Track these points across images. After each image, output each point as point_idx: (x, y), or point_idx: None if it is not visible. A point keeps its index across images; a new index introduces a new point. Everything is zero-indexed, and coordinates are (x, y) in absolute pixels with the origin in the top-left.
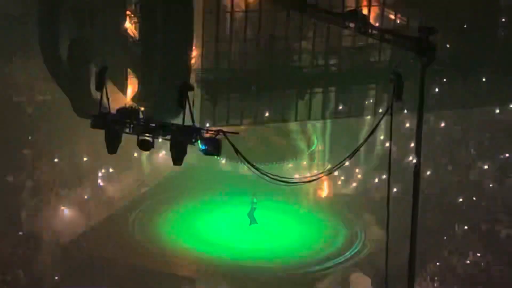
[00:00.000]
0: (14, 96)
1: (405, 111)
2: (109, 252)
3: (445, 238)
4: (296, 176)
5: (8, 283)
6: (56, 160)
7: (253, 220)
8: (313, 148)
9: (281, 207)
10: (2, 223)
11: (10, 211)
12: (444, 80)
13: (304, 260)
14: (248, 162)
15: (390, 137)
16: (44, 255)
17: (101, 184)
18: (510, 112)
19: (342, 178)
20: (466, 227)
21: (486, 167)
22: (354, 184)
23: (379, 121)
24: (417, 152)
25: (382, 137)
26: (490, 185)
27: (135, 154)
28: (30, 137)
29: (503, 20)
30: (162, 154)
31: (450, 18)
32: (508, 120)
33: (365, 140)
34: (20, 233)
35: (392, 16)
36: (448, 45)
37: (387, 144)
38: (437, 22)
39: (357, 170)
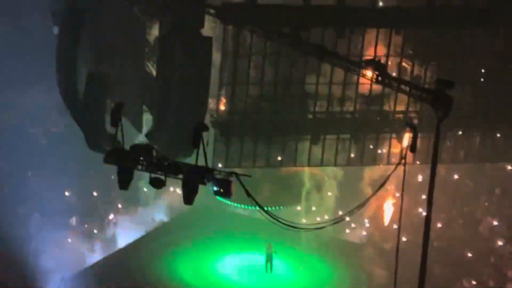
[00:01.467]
0: (29, 127)
1: (418, 162)
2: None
3: None
4: (304, 220)
5: None
6: (67, 193)
7: (268, 268)
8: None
9: (291, 253)
10: (11, 253)
11: (18, 241)
12: (460, 133)
13: None
14: (260, 206)
15: (402, 187)
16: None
17: (110, 218)
18: None
19: (353, 225)
20: (474, 282)
21: (495, 222)
22: (364, 233)
23: (393, 170)
24: (429, 204)
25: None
26: (500, 243)
27: (145, 189)
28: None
29: None
30: (172, 191)
31: (468, 72)
32: None
33: (379, 189)
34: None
35: (409, 67)
36: (464, 100)
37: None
38: (454, 75)
39: (366, 220)
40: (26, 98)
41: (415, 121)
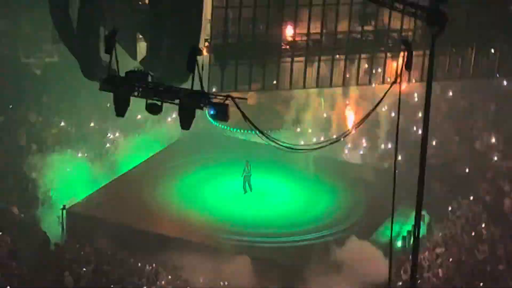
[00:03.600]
0: (22, 57)
1: (413, 81)
2: (113, 215)
3: (449, 208)
4: (302, 142)
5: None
6: (62, 124)
7: (247, 188)
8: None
9: (287, 173)
10: (10, 183)
11: (17, 171)
12: (453, 50)
13: (307, 227)
14: (257, 128)
15: (398, 105)
16: (49, 217)
17: (108, 145)
18: None
19: (349, 145)
20: (471, 198)
21: (492, 139)
22: (361, 153)
23: (388, 90)
24: (425, 123)
25: (385, 108)
26: (495, 158)
27: (139, 117)
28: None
29: None
30: (171, 118)
31: None
32: None
33: (373, 109)
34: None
35: None
36: (458, 15)
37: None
38: None
39: (363, 140)
40: (18, 28)
41: (410, 39)
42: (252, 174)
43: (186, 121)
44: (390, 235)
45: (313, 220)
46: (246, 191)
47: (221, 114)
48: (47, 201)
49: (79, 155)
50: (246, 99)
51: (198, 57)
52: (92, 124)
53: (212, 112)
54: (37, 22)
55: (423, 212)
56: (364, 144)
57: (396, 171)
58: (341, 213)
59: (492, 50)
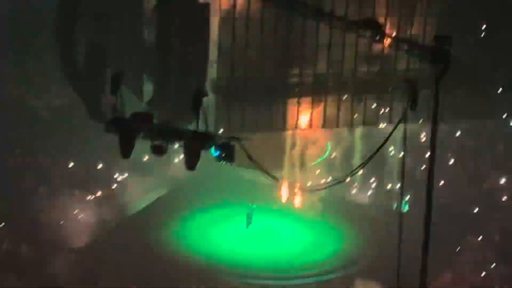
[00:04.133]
0: (30, 100)
1: (421, 121)
2: (121, 257)
3: (458, 249)
4: (310, 183)
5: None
6: (71, 165)
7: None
8: (325, 155)
9: (293, 214)
10: (18, 227)
11: (25, 215)
12: (460, 90)
13: (316, 268)
14: (263, 169)
15: (404, 144)
16: (59, 259)
17: (113, 187)
18: None
19: (355, 184)
20: (479, 238)
21: (502, 180)
22: (369, 192)
23: (394, 129)
24: (431, 162)
25: (392, 148)
26: (504, 198)
27: (147, 157)
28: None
29: None
30: (179, 159)
31: (467, 29)
32: None
33: (379, 148)
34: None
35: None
36: (464, 56)
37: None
38: (454, 32)
39: (371, 180)
40: (26, 71)
41: (415, 79)
42: (254, 211)
43: (191, 162)
44: (397, 277)
45: (320, 263)
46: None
47: (227, 155)
48: (56, 242)
49: (86, 197)
50: (252, 139)
51: (204, 98)
52: (100, 166)
53: (217, 154)
54: (45, 65)
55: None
56: (373, 185)
57: (403, 210)
58: (349, 255)
59: (499, 90)
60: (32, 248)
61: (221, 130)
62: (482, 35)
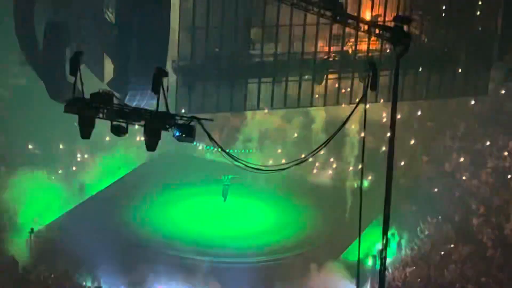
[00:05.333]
0: None
1: (381, 101)
2: (81, 237)
3: (418, 228)
4: (271, 162)
5: None
6: (30, 146)
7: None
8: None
9: (255, 194)
10: None
11: None
12: (420, 70)
13: (276, 247)
14: (222, 149)
15: (364, 125)
16: (17, 240)
17: (74, 168)
18: (485, 103)
19: (317, 164)
20: (439, 217)
21: (461, 159)
22: (330, 172)
23: (354, 109)
24: (391, 142)
25: (354, 127)
26: (464, 177)
27: (108, 138)
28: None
29: (480, 13)
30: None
31: (428, 9)
32: (482, 111)
33: (339, 128)
34: None
35: (369, 6)
36: (425, 36)
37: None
38: (415, 12)
39: (331, 159)
40: None
41: (375, 60)
42: (230, 185)
43: (151, 142)
44: (358, 255)
45: (282, 241)
46: (225, 199)
47: (187, 135)
48: (15, 223)
49: (47, 177)
50: (212, 120)
51: (165, 79)
52: (61, 146)
53: (177, 134)
54: (4, 45)
55: (394, 231)
56: (334, 165)
57: (365, 190)
58: (309, 234)
59: (459, 70)
60: None
61: (182, 111)
62: (442, 15)
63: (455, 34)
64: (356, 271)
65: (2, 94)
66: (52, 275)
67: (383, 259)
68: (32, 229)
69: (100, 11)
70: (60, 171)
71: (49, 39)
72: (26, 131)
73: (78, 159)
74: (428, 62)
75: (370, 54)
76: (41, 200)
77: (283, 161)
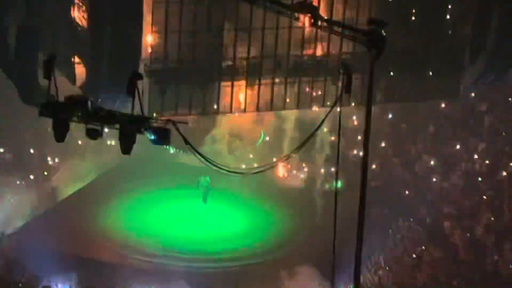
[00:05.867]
0: None
1: (352, 104)
2: (53, 242)
3: (390, 231)
4: (243, 166)
5: None
6: (1, 150)
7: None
8: (259, 142)
9: (228, 197)
10: None
11: None
12: (391, 74)
13: (250, 251)
14: (198, 152)
15: (338, 129)
16: None
17: (46, 173)
18: (455, 106)
19: (289, 168)
20: (411, 220)
21: (432, 161)
22: (302, 176)
23: (328, 113)
24: (365, 145)
25: (325, 131)
26: (435, 179)
27: (79, 142)
28: None
29: (451, 16)
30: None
31: (400, 12)
32: (453, 115)
33: (314, 132)
34: None
35: (341, 9)
36: (396, 40)
37: (334, 138)
38: (387, 15)
39: (303, 164)
40: None
41: (349, 63)
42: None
43: (126, 146)
44: (332, 258)
45: (255, 245)
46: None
47: (162, 138)
48: None
49: (17, 182)
50: (187, 123)
51: (139, 82)
52: (31, 151)
53: (152, 137)
54: None
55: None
56: (305, 168)
57: (337, 194)
58: (282, 238)
59: (430, 73)
60: None
61: (155, 114)
62: (413, 19)
63: (426, 37)
64: (331, 275)
65: None
66: (20, 284)
67: (357, 263)
68: (2, 233)
69: (72, 14)
70: (31, 176)
71: (21, 43)
72: None
73: (50, 163)
74: (399, 65)
75: (343, 57)
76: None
77: (255, 164)
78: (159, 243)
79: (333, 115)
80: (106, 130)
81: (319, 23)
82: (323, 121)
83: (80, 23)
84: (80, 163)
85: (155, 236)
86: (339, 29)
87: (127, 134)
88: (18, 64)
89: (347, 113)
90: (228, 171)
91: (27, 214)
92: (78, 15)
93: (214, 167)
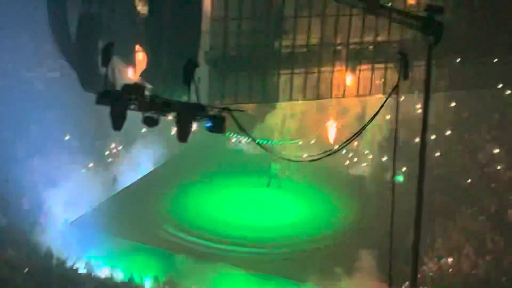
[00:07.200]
0: (25, 71)
1: (416, 92)
2: (117, 229)
3: (453, 219)
4: (305, 155)
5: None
6: (67, 137)
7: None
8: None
9: (289, 185)
10: (11, 200)
11: (17, 188)
12: (457, 60)
13: (310, 237)
14: (255, 140)
15: (396, 116)
16: (53, 230)
17: (109, 160)
18: None
19: (351, 156)
20: (474, 209)
21: (496, 150)
22: (363, 164)
23: (386, 100)
24: (423, 132)
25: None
26: (499, 167)
27: (143, 130)
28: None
29: None
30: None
31: None
32: None
33: (372, 119)
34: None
35: None
36: (459, 25)
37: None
38: (449, 2)
39: (366, 151)
40: (20, 43)
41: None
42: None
43: (183, 134)
44: (390, 247)
45: (315, 232)
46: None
47: (218, 126)
48: (49, 214)
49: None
50: (243, 110)
51: (196, 69)
52: (93, 138)
53: (208, 125)
54: (37, 38)
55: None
56: (371, 157)
57: (397, 182)
58: (342, 225)
59: (495, 60)
60: (21, 219)
61: (214, 102)
62: (476, 4)
63: (490, 23)
64: (388, 264)
65: (37, 86)
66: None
67: (415, 251)
68: (67, 220)
69: (132, 2)
70: (92, 164)
71: (82, 31)
72: (60, 122)
73: (113, 151)
74: (463, 52)
75: (402, 44)
76: (77, 192)
77: (316, 152)
78: (221, 229)
79: (394, 102)
80: (170, 117)
81: (379, 11)
82: (380, 107)
83: (140, 10)
84: (142, 151)
85: (215, 223)
86: (398, 16)
87: (183, 122)
88: (78, 51)
89: (410, 102)
90: (289, 159)
91: (90, 201)
92: (138, 3)
93: (269, 153)
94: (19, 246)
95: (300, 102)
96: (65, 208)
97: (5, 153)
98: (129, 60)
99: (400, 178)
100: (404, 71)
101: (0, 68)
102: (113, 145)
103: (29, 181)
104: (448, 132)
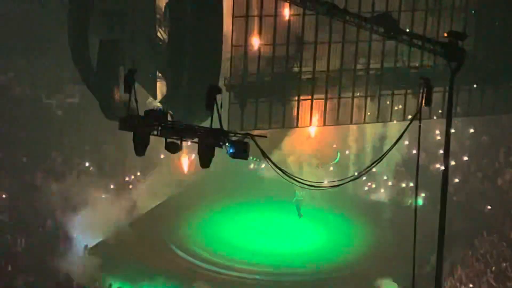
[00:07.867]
0: (44, 98)
1: (434, 117)
2: (135, 255)
3: (473, 245)
4: (326, 181)
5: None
6: (87, 164)
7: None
8: (336, 160)
9: (308, 211)
10: (30, 226)
11: (37, 214)
12: (474, 86)
13: (330, 264)
14: (276, 166)
15: (418, 142)
16: (71, 258)
17: (130, 187)
18: None
19: (369, 183)
20: (494, 235)
21: None
22: (382, 190)
23: (408, 126)
24: (445, 157)
25: (406, 145)
26: None
27: (162, 156)
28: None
29: None
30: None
31: (481, 23)
32: None
33: (393, 145)
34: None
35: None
36: (478, 51)
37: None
38: (468, 27)
39: (385, 177)
40: (40, 69)
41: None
42: (303, 199)
43: (205, 159)
44: (412, 275)
45: (334, 259)
46: (301, 215)
47: (240, 152)
48: (69, 240)
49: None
50: (266, 137)
51: (218, 96)
52: (113, 163)
53: (231, 151)
54: (58, 62)
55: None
56: (390, 183)
57: (419, 208)
58: (362, 252)
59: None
60: (41, 244)
61: (234, 127)
62: (496, 30)
63: (508, 48)
64: None
65: (56, 112)
66: None
67: (438, 276)
68: (86, 246)
69: (153, 29)
70: (113, 189)
71: (103, 56)
72: (80, 148)
73: (132, 177)
74: (481, 77)
75: (423, 70)
76: (95, 217)
77: (336, 179)
78: (241, 256)
79: (415, 129)
80: (189, 143)
81: (398, 35)
82: (403, 133)
83: (161, 37)
84: (162, 176)
85: (236, 250)
86: (419, 42)
87: (205, 148)
88: (100, 78)
89: (429, 127)
90: (310, 186)
91: (109, 227)
92: (159, 29)
93: (297, 183)
94: (38, 271)
95: (319, 127)
96: (84, 233)
97: (25, 179)
98: (151, 86)
99: (420, 202)
100: (427, 96)
101: (19, 94)
102: (132, 171)
103: (48, 207)
104: (466, 158)
